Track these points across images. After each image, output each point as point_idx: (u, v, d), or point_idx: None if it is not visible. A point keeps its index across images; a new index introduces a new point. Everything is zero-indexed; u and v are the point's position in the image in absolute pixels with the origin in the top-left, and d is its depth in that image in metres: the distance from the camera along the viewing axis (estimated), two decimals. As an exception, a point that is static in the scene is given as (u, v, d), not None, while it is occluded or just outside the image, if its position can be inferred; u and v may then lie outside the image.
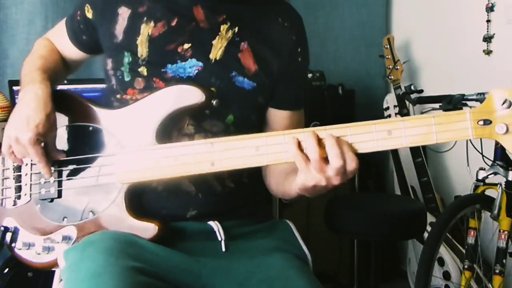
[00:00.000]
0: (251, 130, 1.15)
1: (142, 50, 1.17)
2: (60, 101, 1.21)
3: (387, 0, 3.09)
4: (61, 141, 1.20)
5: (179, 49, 1.17)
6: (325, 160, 0.98)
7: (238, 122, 1.18)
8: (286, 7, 1.28)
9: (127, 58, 1.18)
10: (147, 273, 0.99)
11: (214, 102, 1.14)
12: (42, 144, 1.13)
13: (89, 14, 1.25)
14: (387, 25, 3.11)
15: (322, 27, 3.03)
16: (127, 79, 1.19)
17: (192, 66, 1.17)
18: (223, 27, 1.18)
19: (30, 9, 2.32)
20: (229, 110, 1.18)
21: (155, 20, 1.18)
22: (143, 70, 1.17)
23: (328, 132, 0.99)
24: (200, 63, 1.17)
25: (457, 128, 0.95)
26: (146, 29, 1.18)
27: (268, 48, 1.21)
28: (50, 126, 1.13)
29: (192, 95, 1.11)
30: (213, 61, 1.17)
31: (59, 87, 1.39)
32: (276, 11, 1.24)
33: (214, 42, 1.17)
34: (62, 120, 1.20)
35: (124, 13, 1.20)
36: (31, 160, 1.20)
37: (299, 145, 0.99)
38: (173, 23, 1.17)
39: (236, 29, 1.19)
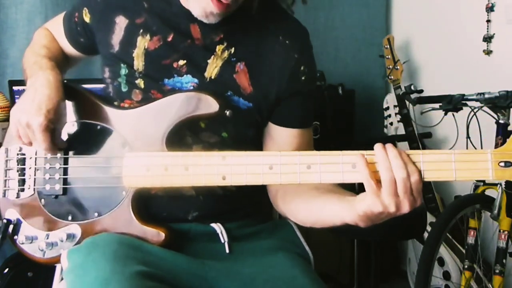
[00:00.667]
0: (248, 144, 1.14)
1: (138, 63, 1.16)
2: (71, 96, 1.20)
3: (387, 0, 3.09)
4: (68, 137, 1.18)
5: (175, 65, 1.15)
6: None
7: (233, 137, 1.17)
8: (289, 23, 1.22)
9: (123, 70, 1.17)
10: (154, 278, 0.99)
11: (227, 113, 1.13)
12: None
13: (87, 18, 1.23)
14: (387, 25, 3.11)
15: (322, 27, 3.03)
16: (124, 89, 1.18)
17: (188, 82, 1.15)
18: (219, 48, 1.15)
19: (30, 9, 2.32)
20: (222, 128, 1.16)
21: (151, 34, 1.16)
22: (140, 82, 1.16)
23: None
24: (196, 80, 1.15)
25: (477, 168, 0.94)
26: (142, 42, 1.16)
27: (267, 69, 1.16)
28: (61, 113, 1.13)
29: (208, 104, 1.09)
30: (208, 79, 1.15)
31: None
32: (278, 28, 1.18)
33: (209, 61, 1.15)
34: (70, 115, 1.20)
35: (121, 22, 1.18)
36: (36, 153, 1.19)
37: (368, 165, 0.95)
38: (169, 39, 1.16)
39: (233, 50, 1.16)
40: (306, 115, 1.23)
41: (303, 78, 1.19)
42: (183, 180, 1.05)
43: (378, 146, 0.96)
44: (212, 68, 1.15)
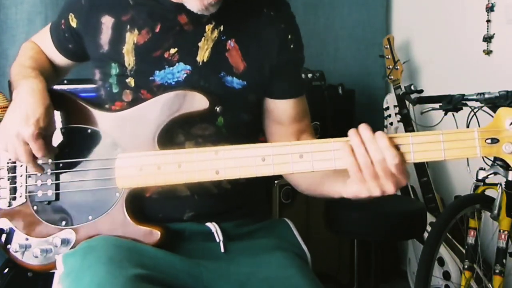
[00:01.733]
0: (243, 130, 1.16)
1: (129, 59, 1.16)
2: (58, 102, 1.20)
3: (387, 0, 3.09)
4: (59, 143, 1.18)
5: (166, 55, 1.15)
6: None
7: (228, 123, 1.17)
8: None
9: (114, 70, 1.17)
10: (149, 280, 0.99)
11: (218, 109, 1.13)
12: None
13: (73, 23, 1.23)
14: (387, 25, 3.11)
15: (322, 27, 3.03)
16: (115, 90, 1.18)
17: (181, 70, 1.15)
18: (208, 27, 1.16)
19: (30, 9, 2.32)
20: (218, 112, 1.16)
21: (138, 28, 1.16)
22: (130, 81, 1.16)
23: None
24: (188, 67, 1.15)
25: (465, 146, 0.96)
26: (131, 38, 1.16)
27: (257, 42, 1.18)
28: (49, 120, 1.12)
29: (198, 101, 1.10)
30: (200, 63, 1.16)
31: (57, 87, 1.38)
32: (261, 2, 1.21)
33: (200, 44, 1.16)
34: (60, 121, 1.20)
35: (107, 22, 1.18)
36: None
37: (352, 151, 0.98)
38: (157, 30, 1.16)
39: (222, 27, 1.17)
40: (300, 83, 1.28)
41: (291, 46, 1.22)
42: (176, 177, 1.05)
43: (351, 132, 0.99)
44: (204, 51, 1.16)
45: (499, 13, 2.46)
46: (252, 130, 1.23)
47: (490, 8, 2.49)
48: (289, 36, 1.21)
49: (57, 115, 1.19)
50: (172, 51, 1.15)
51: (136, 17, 1.17)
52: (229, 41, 1.17)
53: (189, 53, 1.16)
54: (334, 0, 3.04)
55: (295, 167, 1.01)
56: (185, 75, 1.15)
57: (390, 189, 0.98)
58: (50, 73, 1.31)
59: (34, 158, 1.12)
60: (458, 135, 0.96)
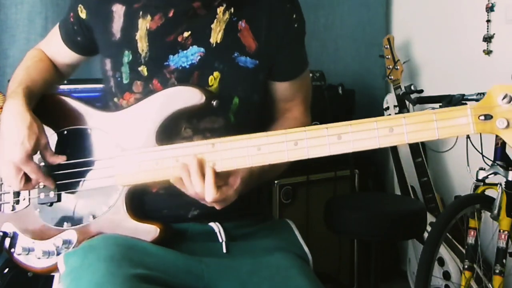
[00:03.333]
0: (253, 114, 1.18)
1: (143, 45, 1.17)
2: (56, 106, 1.20)
3: (387, 0, 3.09)
4: (60, 145, 1.19)
5: (179, 39, 1.17)
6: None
7: (242, 105, 1.19)
8: None
9: (126, 57, 1.18)
10: (150, 280, 0.99)
11: (214, 103, 1.13)
12: (40, 162, 1.13)
13: (83, 15, 1.24)
14: (387, 25, 3.11)
15: (322, 27, 3.02)
16: (125, 81, 1.18)
17: (194, 53, 1.16)
18: (220, 10, 1.18)
19: (30, 9, 2.32)
20: (234, 93, 1.18)
21: (151, 14, 1.17)
22: (143, 69, 1.17)
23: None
24: (202, 49, 1.17)
25: (458, 124, 0.95)
26: (144, 24, 1.17)
27: (266, 22, 1.20)
28: (36, 136, 1.12)
29: (192, 96, 1.10)
30: (214, 45, 1.17)
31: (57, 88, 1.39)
32: None
33: (212, 26, 1.18)
34: (58, 125, 1.20)
35: (119, 10, 1.19)
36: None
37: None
38: (170, 14, 1.17)
39: (232, 9, 1.19)
40: (304, 58, 1.31)
41: (296, 25, 1.25)
42: (174, 171, 1.06)
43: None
44: (217, 33, 1.18)
45: (499, 13, 2.47)
46: (260, 115, 1.25)
47: (490, 8, 2.49)
48: (294, 16, 1.24)
49: (57, 119, 1.20)
50: (186, 34, 1.17)
51: (148, 3, 1.18)
52: (240, 22, 1.19)
53: (202, 36, 1.17)
54: (334, 0, 3.04)
55: (290, 155, 1.01)
56: (199, 57, 1.16)
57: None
58: (47, 79, 1.29)
59: (30, 183, 1.13)
60: (451, 113, 0.95)
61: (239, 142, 1.04)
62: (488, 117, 0.94)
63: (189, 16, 1.17)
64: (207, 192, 1.01)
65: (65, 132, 1.20)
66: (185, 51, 1.16)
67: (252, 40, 1.19)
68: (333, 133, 0.99)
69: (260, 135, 1.03)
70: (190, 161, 1.03)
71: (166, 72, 1.16)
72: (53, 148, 1.17)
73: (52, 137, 1.19)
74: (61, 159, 1.16)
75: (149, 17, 1.17)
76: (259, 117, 1.25)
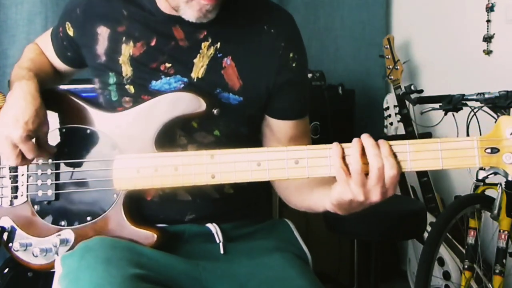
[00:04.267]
0: (242, 141, 1.12)
1: (127, 69, 1.16)
2: (58, 102, 1.20)
3: (387, 0, 3.09)
4: (59, 142, 1.19)
5: (162, 67, 1.15)
6: (366, 175, 0.95)
7: (226, 136, 1.16)
8: (273, 11, 1.20)
9: (112, 79, 1.17)
10: (148, 280, 0.99)
11: (215, 111, 1.11)
12: (34, 140, 1.11)
13: (71, 32, 1.23)
14: (387, 25, 3.11)
15: (322, 27, 3.03)
16: (114, 98, 1.17)
17: (178, 81, 1.14)
18: (204, 45, 1.14)
19: (30, 9, 2.33)
20: (214, 127, 1.15)
21: (134, 40, 1.15)
22: (130, 87, 1.16)
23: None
24: (185, 79, 1.14)
25: (464, 155, 0.93)
26: (127, 49, 1.16)
27: (254, 61, 1.15)
28: (40, 121, 1.11)
29: (195, 104, 1.09)
30: (195, 79, 1.14)
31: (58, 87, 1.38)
32: (262, 17, 1.17)
33: (195, 60, 1.14)
34: (59, 121, 1.20)
35: (103, 32, 1.18)
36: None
37: (343, 156, 0.97)
38: (152, 43, 1.15)
39: (218, 45, 1.14)
40: (302, 105, 1.23)
41: (294, 65, 1.17)
42: (173, 180, 1.05)
43: (355, 139, 0.98)
44: (199, 68, 1.14)
45: (499, 13, 2.46)
46: (251, 142, 1.20)
47: (490, 8, 2.49)
48: (291, 55, 1.16)
49: (55, 115, 1.20)
50: (168, 65, 1.15)
51: (131, 28, 1.16)
52: (226, 59, 1.14)
53: (184, 69, 1.14)
54: (334, 0, 3.04)
55: (290, 173, 0.99)
56: (182, 85, 1.14)
57: (375, 198, 0.96)
58: (49, 74, 1.30)
59: (26, 159, 1.12)
60: (456, 144, 0.93)
61: (239, 156, 1.02)
62: (494, 150, 0.93)
63: (171, 47, 1.14)
64: (388, 164, 0.94)
65: (65, 129, 1.20)
66: (168, 78, 1.14)
67: (236, 79, 1.14)
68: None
69: (261, 149, 1.02)
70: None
71: (152, 92, 1.14)
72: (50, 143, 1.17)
73: (52, 133, 1.18)
74: (53, 151, 1.16)
75: (131, 43, 1.15)
76: (252, 144, 1.20)
